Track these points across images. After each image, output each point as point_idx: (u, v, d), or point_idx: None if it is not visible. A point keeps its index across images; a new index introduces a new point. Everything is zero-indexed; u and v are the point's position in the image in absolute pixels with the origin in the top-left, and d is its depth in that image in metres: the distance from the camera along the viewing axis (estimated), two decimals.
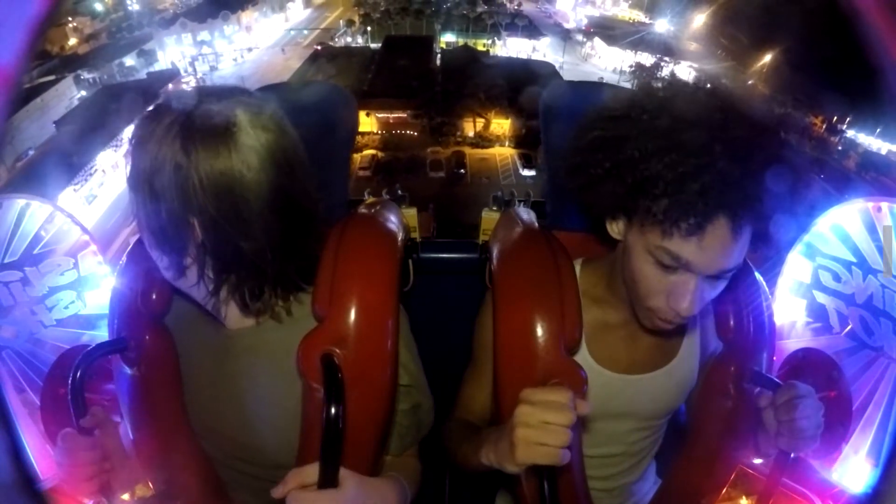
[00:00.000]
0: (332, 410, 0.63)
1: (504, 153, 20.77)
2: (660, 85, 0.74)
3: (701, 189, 0.61)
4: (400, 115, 21.60)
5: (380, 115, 21.55)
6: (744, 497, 0.88)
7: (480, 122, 21.32)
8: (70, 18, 24.55)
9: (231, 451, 0.83)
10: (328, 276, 0.73)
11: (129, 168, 0.67)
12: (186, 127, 0.64)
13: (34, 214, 1.17)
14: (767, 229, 0.66)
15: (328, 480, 0.64)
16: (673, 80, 0.74)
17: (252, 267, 0.70)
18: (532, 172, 18.25)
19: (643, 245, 0.70)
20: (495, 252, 0.88)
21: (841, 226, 1.13)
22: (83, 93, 21.84)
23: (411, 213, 1.24)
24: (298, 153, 0.73)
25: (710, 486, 0.89)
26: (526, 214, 0.95)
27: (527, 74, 21.36)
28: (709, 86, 0.71)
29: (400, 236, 0.84)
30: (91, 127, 18.35)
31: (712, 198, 0.61)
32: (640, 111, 0.68)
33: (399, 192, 1.31)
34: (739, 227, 0.64)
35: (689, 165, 0.62)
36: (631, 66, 25.69)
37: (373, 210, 0.86)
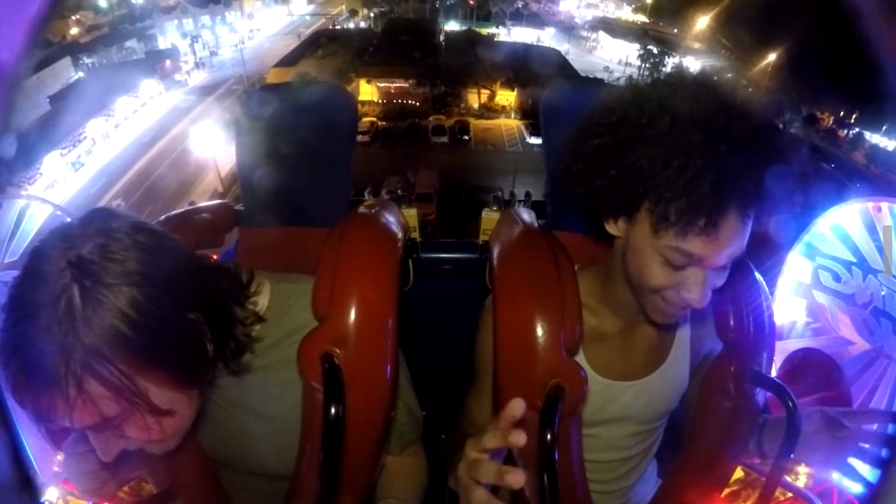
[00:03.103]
0: (333, 410, 0.63)
1: (510, 124, 20.80)
2: (651, 82, 0.74)
3: (712, 188, 0.62)
4: (402, 84, 21.17)
5: (380, 85, 21.08)
6: (744, 497, 0.88)
7: (485, 93, 21.07)
8: (73, 14, 24.51)
9: (230, 465, 0.84)
10: (328, 275, 0.73)
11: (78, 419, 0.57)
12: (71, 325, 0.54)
13: (34, 214, 1.17)
14: (768, 202, 0.67)
15: (329, 481, 0.64)
16: (668, 76, 0.74)
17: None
18: (539, 140, 18.56)
19: (653, 247, 0.70)
20: (495, 252, 0.88)
21: (841, 226, 1.13)
22: (81, 74, 21.75)
23: (411, 213, 1.24)
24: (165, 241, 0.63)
25: (710, 486, 0.89)
26: (526, 214, 0.95)
27: (532, 58, 21.23)
28: (707, 81, 0.70)
29: (400, 236, 0.84)
30: (85, 98, 18.15)
31: (722, 194, 0.62)
32: (637, 113, 0.67)
33: (399, 191, 1.31)
34: (748, 217, 0.66)
35: (697, 167, 0.62)
36: (639, 51, 25.78)
37: (373, 210, 0.86)
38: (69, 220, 0.78)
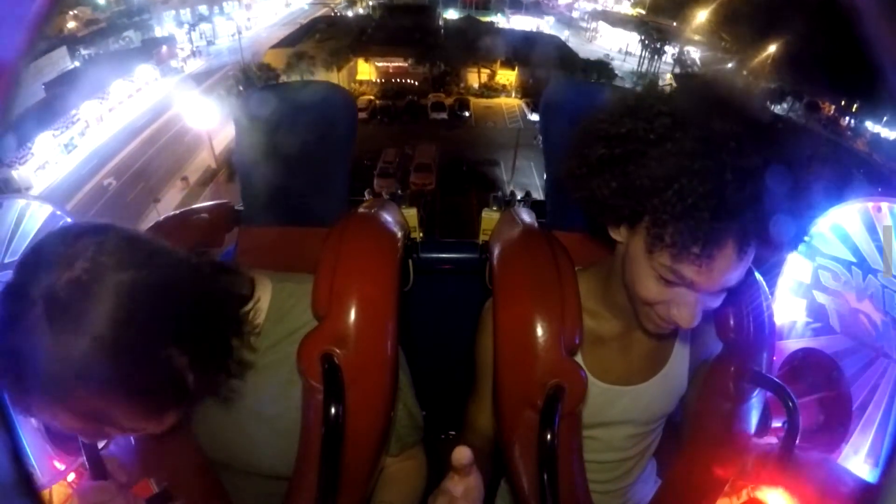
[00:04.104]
0: (333, 410, 0.63)
1: (511, 102, 21.05)
2: (667, 89, 0.71)
3: (710, 217, 0.60)
4: (400, 63, 21.13)
5: (379, 64, 21.07)
6: (744, 497, 0.88)
7: (485, 72, 21.09)
8: (70, 10, 24.61)
9: (229, 465, 0.84)
10: (328, 275, 0.73)
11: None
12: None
13: (34, 214, 1.17)
14: (770, 240, 0.65)
15: (328, 482, 0.64)
16: (685, 84, 0.72)
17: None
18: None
19: (647, 261, 0.69)
20: (495, 252, 0.88)
21: (841, 226, 1.13)
22: (77, 63, 21.83)
23: (411, 213, 1.24)
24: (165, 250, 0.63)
25: (710, 486, 0.89)
26: (526, 214, 0.95)
27: (532, 43, 21.28)
28: (726, 95, 0.67)
29: (400, 236, 0.84)
30: (80, 84, 18.31)
31: (721, 225, 0.60)
32: (646, 127, 0.66)
33: (399, 192, 1.31)
34: (746, 252, 0.64)
35: (697, 193, 0.60)
36: (641, 38, 25.85)
37: (373, 210, 0.86)
38: (69, 220, 0.77)
